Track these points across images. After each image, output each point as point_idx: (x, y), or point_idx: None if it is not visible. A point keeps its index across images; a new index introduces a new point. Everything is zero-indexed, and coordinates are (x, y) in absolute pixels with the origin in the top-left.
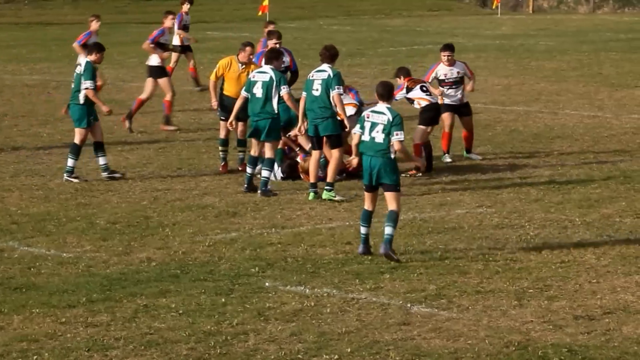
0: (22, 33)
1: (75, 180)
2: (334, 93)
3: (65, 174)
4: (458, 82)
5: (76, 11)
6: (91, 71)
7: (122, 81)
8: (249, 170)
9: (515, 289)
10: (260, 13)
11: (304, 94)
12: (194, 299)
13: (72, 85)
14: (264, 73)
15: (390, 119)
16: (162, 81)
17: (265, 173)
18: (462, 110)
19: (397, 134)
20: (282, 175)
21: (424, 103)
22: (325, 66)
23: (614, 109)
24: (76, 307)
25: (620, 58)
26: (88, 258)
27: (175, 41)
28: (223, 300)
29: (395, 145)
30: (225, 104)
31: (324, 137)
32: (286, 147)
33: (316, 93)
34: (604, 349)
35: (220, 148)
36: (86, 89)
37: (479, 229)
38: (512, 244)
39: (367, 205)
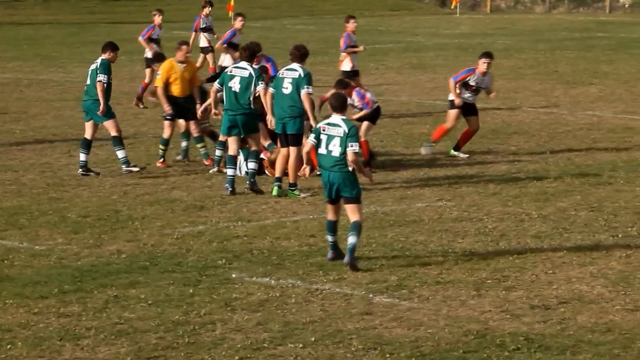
0: None
1: (135, 169)
2: (304, 92)
3: (123, 166)
4: (479, 90)
5: (47, 11)
6: (106, 67)
7: None
8: (229, 172)
9: (474, 279)
10: (230, 14)
11: (271, 90)
12: (163, 290)
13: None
14: (244, 69)
15: (346, 131)
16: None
17: (251, 165)
18: (472, 109)
19: (352, 145)
20: (246, 170)
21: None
22: (295, 65)
23: (569, 106)
24: (48, 298)
25: (575, 56)
26: (60, 250)
27: (203, 42)
28: (191, 291)
29: (350, 156)
30: (173, 105)
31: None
32: None
33: (286, 91)
34: (560, 337)
35: (161, 146)
36: (99, 81)
37: (438, 222)
38: (471, 236)
39: (330, 216)
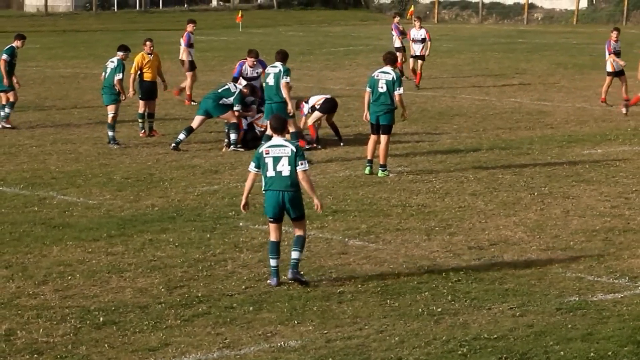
0: (58, 38)
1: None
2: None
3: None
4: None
5: (98, 21)
6: (121, 66)
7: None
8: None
9: (425, 227)
10: (239, 22)
11: (368, 89)
12: (186, 235)
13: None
14: (275, 67)
15: (294, 149)
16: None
17: (233, 136)
18: None
19: (302, 164)
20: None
21: (322, 100)
22: (388, 69)
23: (497, 94)
24: (99, 240)
25: (501, 57)
26: (108, 204)
27: (185, 57)
28: (208, 235)
29: (300, 175)
30: (145, 86)
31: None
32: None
33: (381, 90)
34: (491, 271)
35: (139, 120)
36: (119, 79)
37: (398, 183)
38: (423, 193)
39: (274, 237)
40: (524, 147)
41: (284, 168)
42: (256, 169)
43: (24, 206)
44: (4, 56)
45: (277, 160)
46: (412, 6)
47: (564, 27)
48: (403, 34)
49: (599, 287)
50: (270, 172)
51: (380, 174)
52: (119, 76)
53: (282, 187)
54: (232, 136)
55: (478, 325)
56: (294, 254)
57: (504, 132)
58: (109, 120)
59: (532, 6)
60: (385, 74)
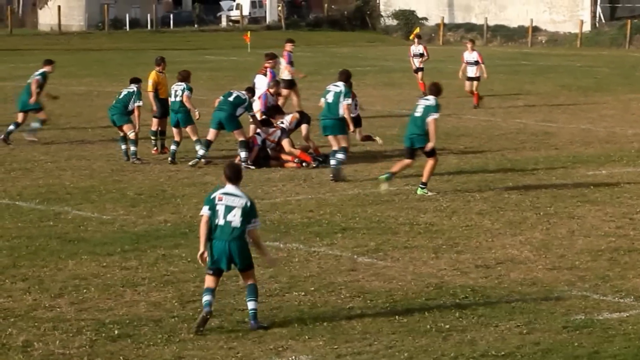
0: (71, 56)
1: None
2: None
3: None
4: None
5: (111, 41)
6: (139, 94)
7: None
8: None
9: (433, 245)
10: (247, 42)
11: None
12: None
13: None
14: (337, 86)
15: (248, 204)
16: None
17: (339, 157)
18: None
19: (254, 222)
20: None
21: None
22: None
23: (502, 115)
24: (113, 255)
25: (506, 78)
26: (121, 219)
27: (285, 75)
28: None
29: (252, 234)
30: (160, 104)
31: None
32: (256, 138)
33: (417, 114)
34: (497, 289)
35: (152, 137)
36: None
37: (406, 201)
38: (430, 212)
39: (211, 284)
40: (529, 167)
41: (235, 219)
42: (208, 212)
43: (39, 220)
44: (38, 77)
45: (229, 209)
46: (417, 28)
47: (567, 50)
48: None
49: (604, 305)
50: (220, 220)
51: (419, 191)
52: (139, 103)
53: (230, 237)
54: (242, 154)
55: (485, 342)
56: (250, 305)
57: (509, 152)
58: (132, 136)
59: (536, 29)
60: (425, 101)
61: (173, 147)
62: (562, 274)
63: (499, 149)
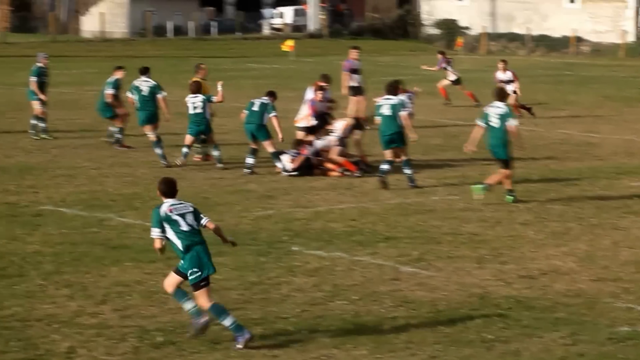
0: (114, 63)
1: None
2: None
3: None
4: None
5: (154, 48)
6: (159, 87)
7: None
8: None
9: (476, 255)
10: (289, 50)
11: (482, 124)
12: (242, 258)
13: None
14: (390, 99)
15: (192, 206)
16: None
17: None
18: None
19: (205, 217)
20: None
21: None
22: (500, 104)
23: (546, 125)
24: (156, 262)
25: (549, 88)
26: None
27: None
28: (263, 259)
29: (210, 225)
30: None
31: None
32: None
33: (495, 125)
34: (541, 300)
35: (195, 145)
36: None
37: (449, 211)
38: (474, 222)
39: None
40: (573, 177)
41: (194, 223)
42: (161, 235)
43: (83, 227)
44: (111, 90)
45: (184, 216)
46: (460, 37)
47: (610, 60)
48: (449, 62)
49: None
50: (184, 227)
51: (507, 199)
52: (163, 94)
53: (199, 239)
54: (279, 165)
55: (530, 354)
56: (227, 322)
57: (552, 162)
58: (154, 138)
59: (579, 39)
60: (496, 109)
61: (215, 152)
62: (606, 285)
63: (543, 159)
